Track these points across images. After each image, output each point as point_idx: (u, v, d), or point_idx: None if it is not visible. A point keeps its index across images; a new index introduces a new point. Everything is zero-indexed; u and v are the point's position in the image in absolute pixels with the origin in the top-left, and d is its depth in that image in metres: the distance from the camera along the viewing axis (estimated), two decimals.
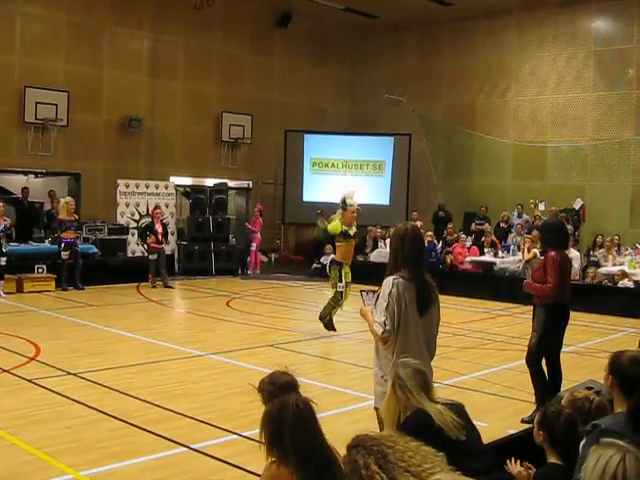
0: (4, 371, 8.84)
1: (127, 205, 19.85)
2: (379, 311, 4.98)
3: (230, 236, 20.90)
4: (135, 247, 19.50)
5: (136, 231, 19.40)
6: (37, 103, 19.18)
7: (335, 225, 11.83)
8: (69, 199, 17.22)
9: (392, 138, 23.39)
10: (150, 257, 17.69)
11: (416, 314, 4.97)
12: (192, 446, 6.33)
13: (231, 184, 23.17)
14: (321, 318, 11.99)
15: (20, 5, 19.32)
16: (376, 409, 5.10)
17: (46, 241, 17.97)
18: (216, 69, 23.11)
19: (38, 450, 6.16)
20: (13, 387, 8.22)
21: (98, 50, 20.75)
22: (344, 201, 11.87)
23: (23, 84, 19.12)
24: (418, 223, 20.16)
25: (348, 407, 7.52)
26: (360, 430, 2.70)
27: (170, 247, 19.47)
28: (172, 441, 6.44)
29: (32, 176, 20.87)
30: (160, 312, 14.74)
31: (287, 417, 3.29)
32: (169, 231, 19.15)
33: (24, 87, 19.10)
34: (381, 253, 19.96)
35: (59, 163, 20.11)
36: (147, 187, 20.22)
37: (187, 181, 22.59)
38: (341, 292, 11.85)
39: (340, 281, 11.87)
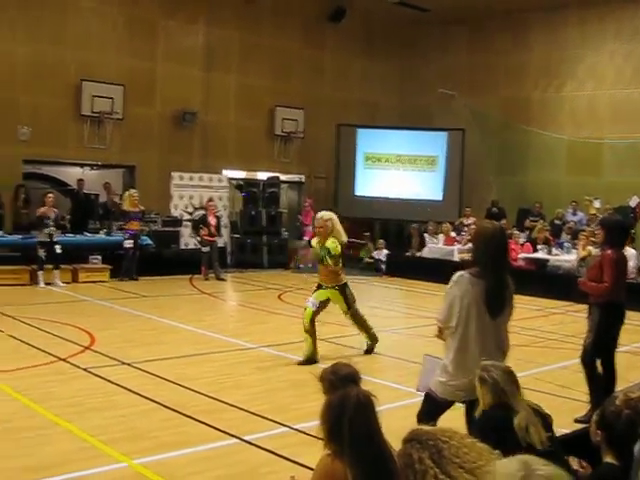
0: (60, 359, 8.99)
1: (181, 198, 20.05)
2: (442, 306, 5.08)
3: (282, 229, 21.01)
4: (188, 239, 19.68)
5: (190, 223, 19.59)
6: (93, 96, 19.43)
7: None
8: (133, 191, 17.59)
9: (445, 133, 23.21)
10: (203, 250, 17.86)
11: (483, 311, 4.94)
12: (243, 437, 6.36)
13: (283, 178, 23.24)
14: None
15: None
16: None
17: (101, 232, 18.26)
18: (268, 63, 23.12)
19: (93, 437, 6.25)
20: (68, 375, 8.36)
21: (153, 44, 20.93)
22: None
23: (79, 77, 19.39)
24: (471, 219, 20.22)
25: (400, 402, 7.49)
26: (412, 425, 2.69)
27: (223, 240, 19.59)
28: (223, 432, 6.49)
29: (88, 168, 21.23)
30: (212, 304, 14.86)
31: (348, 409, 3.26)
32: (222, 224, 19.23)
33: (80, 80, 19.37)
34: (432, 249, 19.93)
35: (114, 155, 20.38)
36: (201, 180, 20.39)
37: (240, 174, 22.68)
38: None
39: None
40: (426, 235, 20.79)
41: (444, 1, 22.67)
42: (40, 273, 15.77)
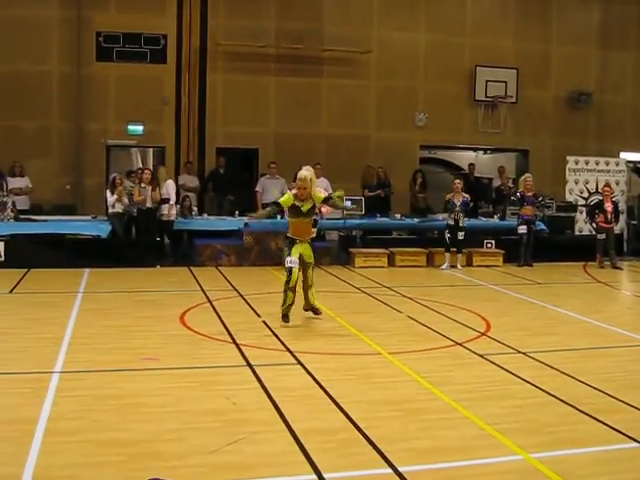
0: (457, 344, 9.26)
1: (576, 182, 19.56)
2: None
3: None
4: (583, 225, 19.21)
5: (584, 209, 19.11)
6: (487, 81, 19.88)
7: (286, 198, 10.34)
8: (527, 175, 17.57)
9: None
10: (598, 236, 17.33)
11: None
12: None
13: None
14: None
15: None
16: None
17: (495, 216, 18.50)
18: None
19: (489, 426, 6.30)
20: (465, 361, 8.56)
21: (546, 25, 20.80)
22: (296, 175, 10.35)
23: (474, 63, 19.89)
24: None
25: None
26: None
27: (619, 226, 18.81)
28: (623, 434, 6.21)
29: (481, 152, 21.66)
30: (608, 294, 14.33)
31: None
32: (619, 210, 18.49)
33: (474, 66, 19.84)
34: None
35: (508, 139, 20.61)
36: (597, 164, 19.71)
37: (638, 157, 21.61)
38: (289, 269, 10.04)
39: (289, 255, 10.13)
40: None
41: None
42: (447, 255, 16.39)
